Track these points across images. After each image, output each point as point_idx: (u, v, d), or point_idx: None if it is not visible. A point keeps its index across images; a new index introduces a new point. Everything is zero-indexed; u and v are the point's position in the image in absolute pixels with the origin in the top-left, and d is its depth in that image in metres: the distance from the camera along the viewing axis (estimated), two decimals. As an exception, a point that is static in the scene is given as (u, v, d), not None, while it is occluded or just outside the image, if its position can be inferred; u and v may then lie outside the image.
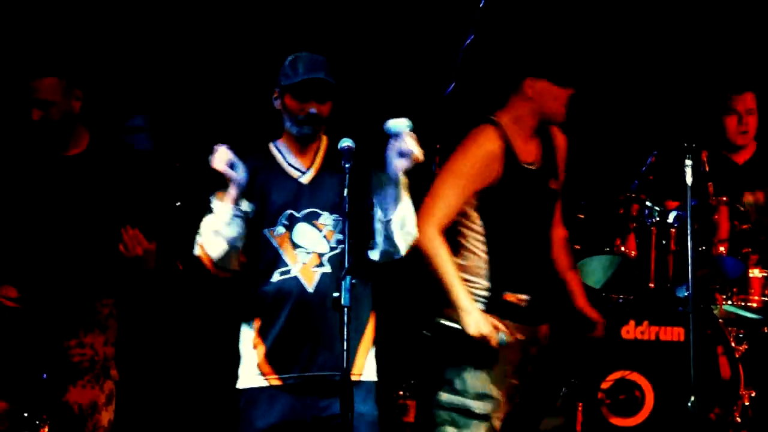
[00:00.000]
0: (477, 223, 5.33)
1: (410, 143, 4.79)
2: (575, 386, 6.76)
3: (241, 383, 4.98)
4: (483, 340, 5.20)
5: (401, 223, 4.94)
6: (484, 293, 5.29)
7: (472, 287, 5.34)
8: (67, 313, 5.76)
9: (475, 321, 5.19)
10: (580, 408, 6.61)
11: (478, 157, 5.34)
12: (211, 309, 7.02)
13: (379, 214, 4.93)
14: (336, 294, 4.59)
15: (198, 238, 4.98)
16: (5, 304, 5.66)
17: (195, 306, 7.23)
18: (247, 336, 5.00)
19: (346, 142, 4.80)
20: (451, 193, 5.35)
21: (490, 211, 5.35)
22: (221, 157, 4.79)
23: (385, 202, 4.91)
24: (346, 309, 4.56)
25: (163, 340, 7.29)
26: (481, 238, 5.32)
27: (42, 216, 5.73)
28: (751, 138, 7.09)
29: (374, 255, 5.00)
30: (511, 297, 5.33)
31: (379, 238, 4.95)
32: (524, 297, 5.31)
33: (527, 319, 5.36)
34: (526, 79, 5.34)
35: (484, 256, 5.34)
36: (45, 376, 5.77)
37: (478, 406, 5.27)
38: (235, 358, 5.18)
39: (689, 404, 5.23)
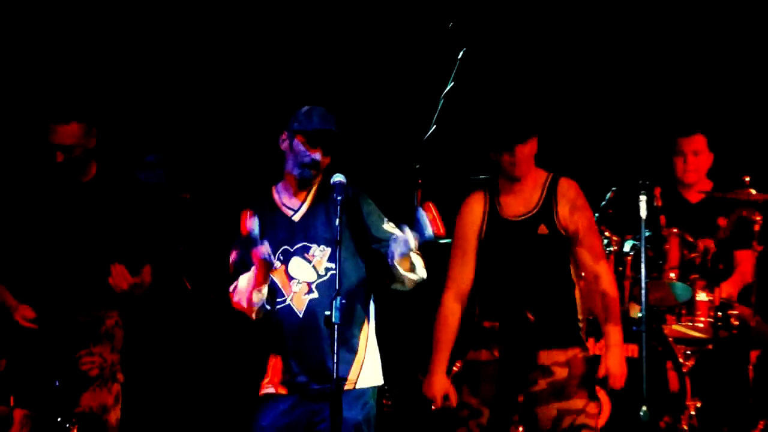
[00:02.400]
0: None
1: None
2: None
3: (262, 391, 5.44)
4: (428, 398, 5.67)
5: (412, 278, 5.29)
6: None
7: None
8: (78, 327, 6.02)
9: (428, 383, 5.64)
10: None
11: (463, 219, 5.77)
12: (215, 324, 7.23)
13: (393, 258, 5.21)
14: (327, 313, 4.96)
15: (237, 296, 5.38)
16: (24, 325, 6.01)
17: (201, 321, 7.42)
18: (267, 354, 5.46)
19: (338, 177, 5.15)
20: (456, 256, 5.79)
21: (479, 257, 5.74)
22: (250, 225, 5.15)
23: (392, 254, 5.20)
24: (336, 326, 4.89)
25: (175, 349, 7.49)
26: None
27: (57, 236, 6.06)
28: (701, 176, 7.40)
29: (397, 286, 5.39)
30: (487, 324, 5.68)
31: (394, 276, 5.30)
32: (496, 324, 5.63)
33: (501, 341, 5.63)
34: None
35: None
36: (57, 383, 5.99)
37: (457, 410, 5.68)
38: (238, 367, 5.69)
39: (641, 413, 5.49)
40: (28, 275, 6.07)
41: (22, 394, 6.02)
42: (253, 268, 5.21)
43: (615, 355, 5.63)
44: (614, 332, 5.66)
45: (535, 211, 5.57)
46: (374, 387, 5.42)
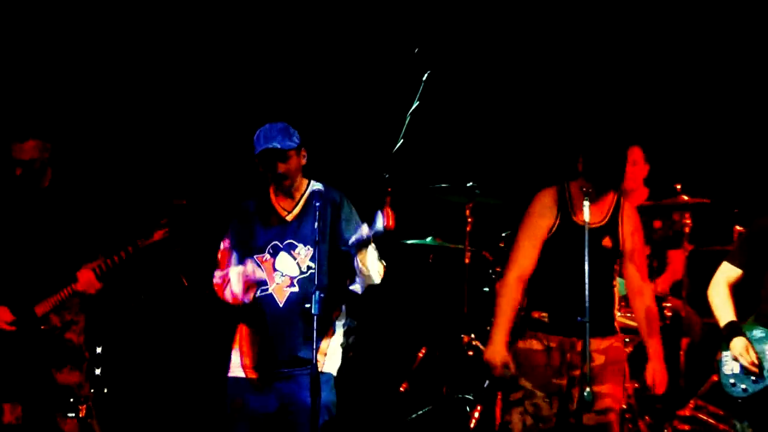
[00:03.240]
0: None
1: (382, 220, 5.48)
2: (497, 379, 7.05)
3: (230, 372, 5.66)
4: (489, 365, 5.86)
5: (367, 277, 5.61)
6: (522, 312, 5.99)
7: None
8: (44, 320, 6.39)
9: (491, 352, 5.85)
10: (499, 396, 7.18)
11: (535, 211, 5.98)
12: (205, 315, 7.52)
13: (355, 261, 5.57)
14: (307, 305, 5.33)
15: (218, 280, 5.69)
16: (3, 328, 6.36)
17: (193, 312, 7.74)
18: (237, 336, 5.71)
19: (315, 186, 5.55)
20: (524, 243, 5.99)
21: (543, 252, 6.00)
22: (250, 271, 5.49)
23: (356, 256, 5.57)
24: (315, 317, 5.24)
25: (169, 338, 7.82)
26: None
27: (20, 237, 6.42)
28: (639, 184, 7.81)
29: (355, 287, 5.71)
30: (536, 314, 6.02)
31: (358, 279, 5.65)
32: (546, 314, 5.95)
33: (551, 330, 5.92)
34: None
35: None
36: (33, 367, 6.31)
37: (514, 395, 5.97)
38: (221, 354, 5.99)
39: (585, 394, 5.68)
40: None
41: (8, 386, 6.37)
42: (237, 281, 5.52)
43: (657, 365, 5.98)
44: (655, 344, 6.00)
45: (603, 223, 5.85)
46: (334, 374, 5.71)
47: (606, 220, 5.85)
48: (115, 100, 8.39)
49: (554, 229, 5.91)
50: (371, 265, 5.59)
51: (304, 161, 5.68)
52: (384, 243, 5.67)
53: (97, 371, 6.95)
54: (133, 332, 7.36)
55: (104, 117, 8.27)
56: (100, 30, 8.29)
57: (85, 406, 6.36)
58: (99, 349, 7.03)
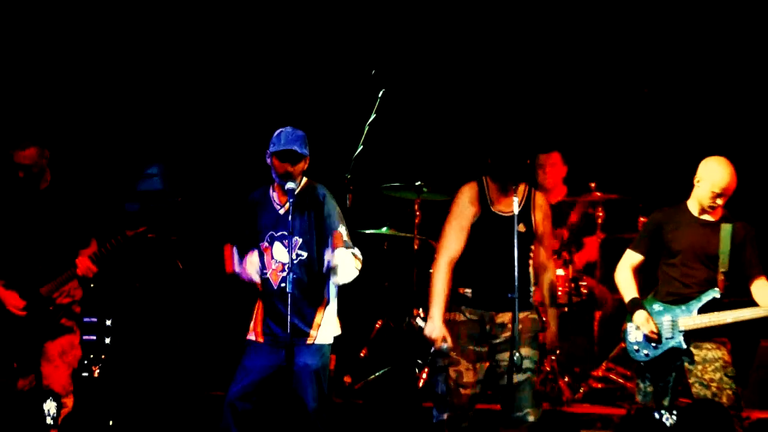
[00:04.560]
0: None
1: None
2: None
3: (247, 336, 5.95)
4: (429, 340, 5.96)
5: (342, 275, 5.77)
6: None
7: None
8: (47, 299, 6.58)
9: (431, 328, 5.92)
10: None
11: (459, 203, 6.06)
12: (197, 294, 7.73)
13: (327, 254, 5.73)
14: (284, 286, 5.64)
15: (237, 269, 5.81)
16: (16, 314, 6.56)
17: (187, 291, 7.94)
18: (254, 309, 6.00)
19: (290, 185, 5.70)
20: (450, 230, 6.07)
21: (469, 239, 6.07)
22: (252, 263, 5.71)
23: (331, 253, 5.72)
24: (290, 295, 5.55)
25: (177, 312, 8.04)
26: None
27: (24, 230, 6.61)
28: (557, 182, 8.24)
29: (334, 280, 5.84)
30: (461, 290, 6.08)
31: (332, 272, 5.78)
32: (469, 291, 6.05)
33: (474, 304, 6.00)
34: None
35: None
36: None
37: (441, 361, 6.09)
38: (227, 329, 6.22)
39: (515, 358, 5.88)
40: (2, 263, 6.59)
41: (23, 362, 6.58)
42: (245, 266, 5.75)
43: (553, 329, 6.19)
44: (553, 312, 6.22)
45: (517, 212, 5.89)
46: (329, 344, 5.92)
47: (519, 208, 5.91)
48: (108, 103, 8.50)
49: (476, 218, 6.02)
50: (343, 279, 5.78)
51: (306, 167, 5.88)
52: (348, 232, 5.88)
53: (107, 340, 7.29)
54: (136, 308, 7.53)
55: (97, 119, 8.37)
56: (94, 33, 8.43)
57: (98, 367, 6.73)
58: (108, 322, 7.33)
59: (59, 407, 6.42)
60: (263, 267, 5.81)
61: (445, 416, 6.06)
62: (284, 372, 5.74)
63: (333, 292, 5.90)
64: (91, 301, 6.93)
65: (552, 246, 6.36)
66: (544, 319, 6.28)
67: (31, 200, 6.62)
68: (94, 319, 7.55)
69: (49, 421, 6.29)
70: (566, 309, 7.90)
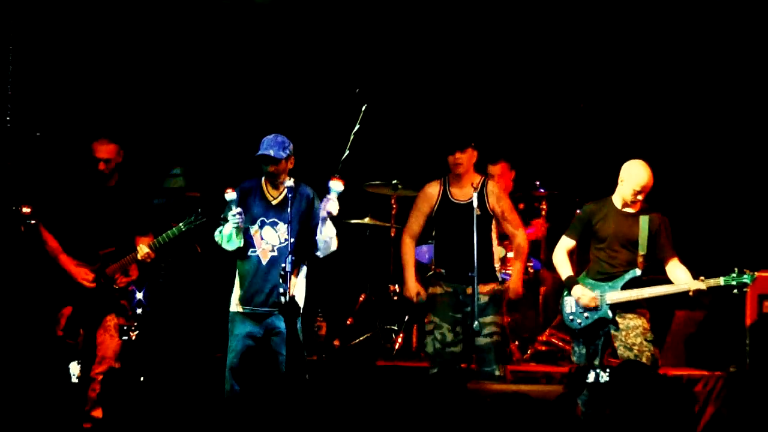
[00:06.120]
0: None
1: (334, 205, 6.15)
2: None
3: (231, 308, 6.43)
4: (408, 299, 6.71)
5: (326, 243, 6.28)
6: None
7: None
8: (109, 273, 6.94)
9: (407, 287, 6.77)
10: (415, 327, 8.61)
11: (421, 194, 6.75)
12: (213, 274, 8.03)
13: (317, 234, 6.30)
14: (283, 265, 6.10)
15: (218, 235, 6.27)
16: (85, 285, 6.96)
17: (205, 272, 8.58)
18: (235, 282, 6.44)
19: (289, 183, 6.22)
20: (412, 216, 6.81)
21: (435, 224, 6.77)
22: (229, 195, 6.16)
23: (319, 229, 6.25)
24: (287, 273, 6.05)
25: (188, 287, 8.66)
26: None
27: (96, 220, 7.00)
28: (508, 185, 8.62)
29: (318, 253, 6.43)
30: (438, 270, 6.79)
31: (319, 245, 6.33)
32: (442, 270, 6.75)
33: (448, 280, 6.69)
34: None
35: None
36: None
37: (426, 326, 6.82)
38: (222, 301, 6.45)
39: (475, 325, 6.51)
40: (74, 246, 7.00)
41: (86, 328, 7.03)
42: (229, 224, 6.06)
43: (516, 279, 6.82)
44: (517, 266, 6.85)
45: (471, 198, 6.49)
46: (300, 305, 6.33)
47: (475, 195, 6.55)
48: (137, 111, 8.92)
49: (437, 206, 6.73)
50: (328, 233, 6.27)
51: (291, 166, 6.36)
52: (336, 223, 6.42)
53: (138, 311, 7.87)
54: (163, 285, 8.11)
55: (135, 126, 8.69)
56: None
57: (134, 333, 7.23)
58: (139, 294, 7.88)
59: (90, 368, 6.87)
60: (252, 246, 6.29)
61: (436, 370, 6.80)
62: (264, 337, 6.26)
63: (303, 272, 6.37)
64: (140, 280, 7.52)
65: (515, 218, 6.89)
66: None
67: (102, 194, 6.94)
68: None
69: (74, 380, 6.80)
70: (531, 269, 8.60)
